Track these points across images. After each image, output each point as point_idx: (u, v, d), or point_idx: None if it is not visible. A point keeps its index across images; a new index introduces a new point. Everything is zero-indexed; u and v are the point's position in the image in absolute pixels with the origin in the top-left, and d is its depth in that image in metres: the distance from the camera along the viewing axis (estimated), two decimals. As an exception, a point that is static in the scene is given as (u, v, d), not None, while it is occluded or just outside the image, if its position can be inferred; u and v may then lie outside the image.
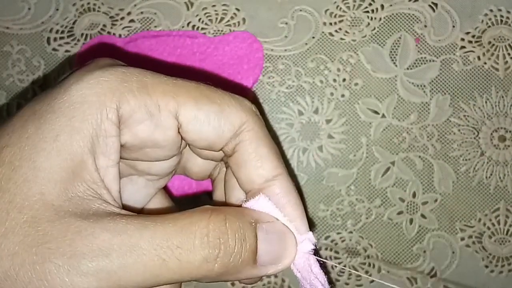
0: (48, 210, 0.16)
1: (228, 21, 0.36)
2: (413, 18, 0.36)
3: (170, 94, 0.19)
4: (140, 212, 0.23)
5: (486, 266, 0.35)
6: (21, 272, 0.15)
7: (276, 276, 0.35)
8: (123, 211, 0.18)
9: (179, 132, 0.20)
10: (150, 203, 0.24)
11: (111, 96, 0.18)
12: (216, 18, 0.36)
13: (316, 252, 0.21)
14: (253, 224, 0.19)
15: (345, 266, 0.35)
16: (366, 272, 0.35)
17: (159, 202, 0.24)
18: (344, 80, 0.36)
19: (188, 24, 0.36)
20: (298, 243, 0.20)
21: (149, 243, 0.16)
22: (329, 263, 0.35)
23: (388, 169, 0.35)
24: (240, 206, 0.20)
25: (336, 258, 0.35)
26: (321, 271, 0.20)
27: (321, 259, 0.21)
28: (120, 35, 0.36)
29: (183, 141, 0.21)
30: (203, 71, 0.35)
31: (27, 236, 0.16)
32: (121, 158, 0.19)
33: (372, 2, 0.36)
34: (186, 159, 0.23)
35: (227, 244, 0.17)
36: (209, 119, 0.19)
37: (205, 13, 0.36)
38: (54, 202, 0.16)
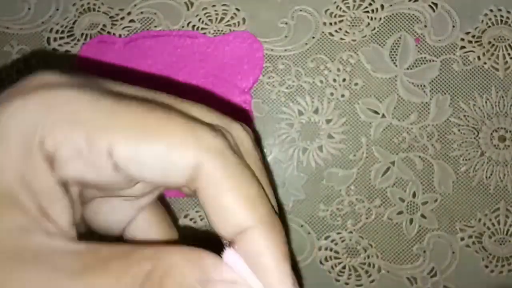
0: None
1: (228, 21, 0.36)
2: (413, 18, 0.36)
3: (103, 127, 0.16)
4: (120, 238, 0.21)
5: (486, 266, 0.35)
6: None
7: None
8: (74, 245, 0.15)
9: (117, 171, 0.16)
10: (144, 226, 0.21)
11: (33, 132, 0.15)
12: (216, 18, 0.36)
13: None
14: (203, 284, 0.15)
15: (344, 266, 0.35)
16: (366, 272, 0.35)
17: (154, 228, 0.21)
18: (344, 80, 0.36)
19: (188, 24, 0.36)
20: None
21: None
22: (329, 263, 0.35)
23: (388, 169, 0.35)
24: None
25: (336, 258, 0.35)
26: None
27: None
28: (120, 35, 0.36)
29: None
30: (202, 71, 0.36)
31: None
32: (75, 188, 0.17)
33: (372, 2, 0.36)
34: None
35: None
36: (151, 161, 0.16)
37: (205, 13, 0.36)
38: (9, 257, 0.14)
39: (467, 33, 0.36)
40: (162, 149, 0.16)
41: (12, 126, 0.15)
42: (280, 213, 0.22)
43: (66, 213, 0.16)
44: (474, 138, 0.35)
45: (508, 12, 0.36)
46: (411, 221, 0.35)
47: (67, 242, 0.15)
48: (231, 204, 0.16)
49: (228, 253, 0.16)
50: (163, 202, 0.31)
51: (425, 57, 0.36)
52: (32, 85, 0.16)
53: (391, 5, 0.36)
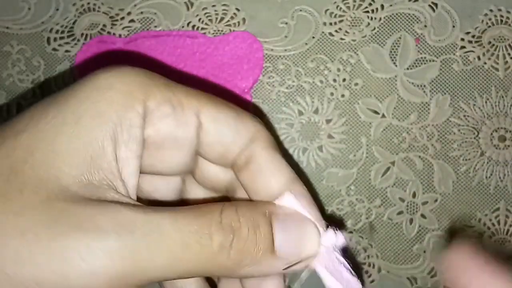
0: (63, 193, 0.15)
1: (228, 21, 0.36)
2: (413, 18, 0.36)
3: (192, 94, 0.19)
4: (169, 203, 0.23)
5: (486, 266, 0.35)
6: (35, 250, 0.15)
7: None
8: (138, 205, 0.17)
9: (198, 132, 0.20)
10: None
11: (139, 88, 0.18)
12: (216, 18, 0.36)
13: (345, 252, 0.19)
14: (267, 215, 0.18)
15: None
16: (366, 272, 0.35)
17: None
18: (344, 80, 0.36)
19: (188, 24, 0.36)
20: (322, 235, 0.19)
21: (171, 226, 0.16)
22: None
23: (388, 169, 0.35)
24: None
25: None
26: (350, 270, 0.19)
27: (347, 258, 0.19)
28: (120, 35, 0.36)
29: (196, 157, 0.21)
30: (202, 71, 0.36)
31: (42, 214, 0.15)
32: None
33: (372, 2, 0.36)
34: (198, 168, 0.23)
35: (239, 231, 0.17)
36: (228, 121, 0.20)
37: (205, 13, 0.36)
38: (70, 187, 0.16)
39: (467, 33, 0.36)
40: (234, 115, 0.20)
41: (120, 80, 0.17)
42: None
43: (135, 176, 0.18)
44: (474, 138, 0.35)
45: (508, 12, 0.36)
46: (411, 221, 0.35)
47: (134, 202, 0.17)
48: (283, 165, 0.20)
49: (286, 196, 0.19)
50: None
51: (425, 57, 0.36)
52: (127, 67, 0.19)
53: (391, 5, 0.36)
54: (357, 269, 0.20)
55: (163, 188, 0.22)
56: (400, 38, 0.36)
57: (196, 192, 0.23)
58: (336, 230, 0.19)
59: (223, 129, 0.20)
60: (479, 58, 0.36)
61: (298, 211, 0.19)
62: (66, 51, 0.36)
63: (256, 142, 0.20)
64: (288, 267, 0.18)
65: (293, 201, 0.19)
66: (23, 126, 0.16)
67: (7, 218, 0.15)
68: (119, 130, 0.17)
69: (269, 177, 0.20)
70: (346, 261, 0.19)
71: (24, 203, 0.15)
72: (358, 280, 0.19)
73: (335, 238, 0.19)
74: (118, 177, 0.17)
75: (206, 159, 0.21)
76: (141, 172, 0.19)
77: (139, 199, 0.19)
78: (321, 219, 0.20)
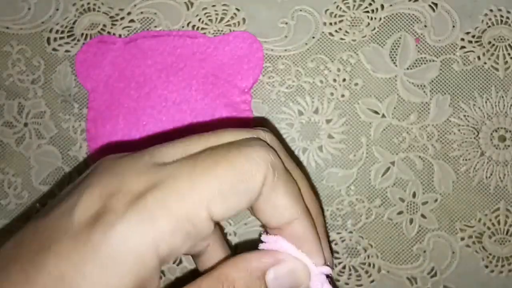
0: None
1: (228, 21, 0.36)
2: (413, 18, 0.36)
3: (203, 203, 0.19)
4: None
5: (486, 266, 0.35)
6: None
7: None
8: None
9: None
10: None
11: (151, 249, 0.18)
12: (216, 18, 0.36)
13: (333, 283, 0.22)
14: (261, 277, 0.20)
15: (344, 266, 0.35)
16: (366, 272, 0.35)
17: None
18: (344, 80, 0.36)
19: (188, 24, 0.36)
20: (313, 275, 0.21)
21: None
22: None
23: (388, 169, 0.35)
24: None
25: (336, 258, 0.35)
26: None
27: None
28: (120, 35, 0.36)
29: None
30: (202, 71, 0.36)
31: None
32: None
33: (372, 2, 0.36)
34: None
35: None
36: (235, 201, 0.20)
37: (205, 13, 0.36)
38: None
39: (467, 33, 0.36)
40: (241, 189, 0.20)
41: (130, 247, 0.18)
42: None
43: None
44: (474, 138, 0.35)
45: (508, 12, 0.36)
46: (411, 221, 0.35)
47: None
48: (283, 203, 0.21)
49: (279, 240, 0.21)
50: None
51: (425, 57, 0.36)
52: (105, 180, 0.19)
53: (391, 5, 0.36)
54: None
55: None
56: (400, 38, 0.36)
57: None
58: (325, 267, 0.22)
59: (234, 209, 0.20)
60: (479, 58, 0.36)
61: (290, 254, 0.21)
62: (66, 51, 0.36)
63: (262, 189, 0.21)
64: None
65: (284, 245, 0.21)
66: (47, 263, 0.17)
67: None
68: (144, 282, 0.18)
69: (269, 219, 0.22)
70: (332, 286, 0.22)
71: None
72: None
73: (324, 271, 0.22)
74: None
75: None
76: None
77: None
78: (319, 254, 0.22)
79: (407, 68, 0.36)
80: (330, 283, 0.22)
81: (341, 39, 0.36)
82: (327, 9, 0.36)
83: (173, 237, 0.18)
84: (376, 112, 0.36)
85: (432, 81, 0.36)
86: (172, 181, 0.19)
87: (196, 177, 0.19)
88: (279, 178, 0.21)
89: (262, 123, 0.36)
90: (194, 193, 0.19)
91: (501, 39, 0.36)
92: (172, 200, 0.18)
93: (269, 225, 0.22)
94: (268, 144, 0.22)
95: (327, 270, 0.22)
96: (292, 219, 0.21)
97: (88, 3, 0.37)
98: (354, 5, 0.36)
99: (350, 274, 0.35)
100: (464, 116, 0.35)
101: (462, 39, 0.36)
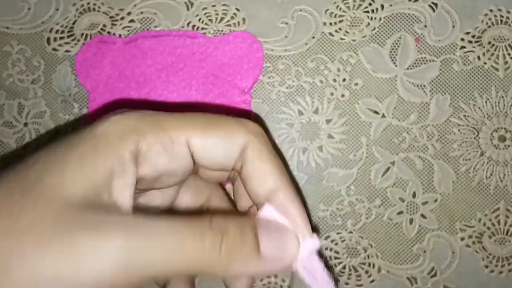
0: (73, 207, 0.18)
1: (228, 21, 0.36)
2: (413, 18, 0.36)
3: (180, 127, 0.21)
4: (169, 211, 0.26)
5: (486, 266, 0.35)
6: (51, 249, 0.17)
7: (276, 276, 0.35)
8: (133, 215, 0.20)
9: (193, 158, 0.22)
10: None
11: (131, 133, 0.20)
12: (216, 18, 0.36)
13: (320, 255, 0.22)
14: (252, 223, 0.21)
15: (345, 266, 0.35)
16: (366, 272, 0.35)
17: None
18: (344, 80, 0.36)
19: (188, 24, 0.36)
20: (301, 242, 0.22)
21: (168, 229, 0.18)
22: (330, 263, 0.35)
23: (388, 169, 0.35)
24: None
25: (336, 258, 0.35)
26: (325, 270, 0.22)
27: (324, 260, 0.22)
28: (120, 35, 0.36)
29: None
30: (202, 71, 0.36)
31: (57, 222, 0.17)
32: (137, 189, 0.21)
33: (372, 2, 0.36)
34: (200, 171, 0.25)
35: (227, 232, 0.19)
36: (217, 145, 0.22)
37: (205, 13, 0.36)
38: (79, 203, 0.18)
39: (467, 33, 0.36)
40: (222, 135, 0.22)
41: (111, 128, 0.20)
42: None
43: (130, 200, 0.20)
44: (474, 138, 0.35)
45: (508, 12, 0.36)
46: (411, 221, 0.35)
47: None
48: (271, 169, 0.22)
49: (266, 207, 0.22)
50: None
51: (425, 57, 0.36)
52: (120, 110, 0.22)
53: (391, 5, 0.36)
54: (330, 270, 0.23)
55: (158, 199, 0.25)
56: (400, 38, 0.36)
57: (186, 200, 0.26)
58: (314, 236, 0.22)
59: (213, 153, 0.22)
60: (479, 58, 0.36)
61: (278, 221, 0.22)
62: (66, 51, 0.36)
63: (246, 154, 0.22)
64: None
65: (273, 212, 0.22)
66: (34, 160, 0.19)
67: (24, 225, 0.17)
68: (116, 165, 0.20)
69: (256, 185, 0.22)
70: (322, 263, 0.22)
71: (40, 213, 0.18)
72: (333, 280, 0.22)
73: (313, 244, 0.22)
74: (116, 206, 0.20)
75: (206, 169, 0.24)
76: (140, 189, 0.22)
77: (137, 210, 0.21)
78: (306, 224, 0.22)
79: (407, 68, 0.36)
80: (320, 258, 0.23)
81: (341, 39, 0.36)
82: (327, 9, 0.36)
83: (148, 138, 0.21)
84: (376, 112, 0.36)
85: (432, 81, 0.36)
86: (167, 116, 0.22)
87: (183, 117, 0.22)
88: (265, 148, 0.22)
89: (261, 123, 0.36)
90: (175, 122, 0.21)
91: (501, 39, 0.36)
92: (160, 119, 0.21)
93: (255, 194, 0.22)
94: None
95: (315, 240, 0.22)
96: (277, 188, 0.22)
97: (88, 3, 0.37)
98: (354, 5, 0.36)
99: (350, 274, 0.35)
100: (464, 116, 0.35)
101: (462, 39, 0.36)
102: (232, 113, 0.24)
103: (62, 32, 0.37)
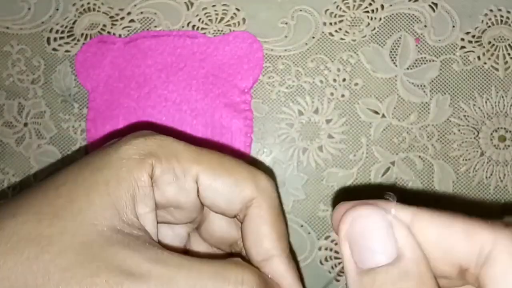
0: (99, 238, 0.18)
1: (228, 21, 0.36)
2: (413, 18, 0.36)
3: (194, 161, 0.22)
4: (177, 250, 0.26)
5: (486, 266, 0.35)
6: (70, 285, 0.17)
7: None
8: (164, 248, 0.20)
9: (198, 196, 0.22)
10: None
11: (149, 157, 0.21)
12: (216, 18, 0.36)
13: None
14: None
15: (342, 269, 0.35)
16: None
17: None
18: (344, 80, 0.36)
19: (188, 24, 0.36)
20: None
21: (184, 280, 0.18)
22: None
23: (388, 169, 0.35)
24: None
25: (336, 258, 0.35)
26: None
27: None
28: (120, 35, 0.36)
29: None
30: (202, 71, 0.36)
31: (79, 256, 0.18)
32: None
33: (372, 2, 0.36)
34: (206, 220, 0.25)
35: None
36: (223, 189, 0.22)
37: (205, 13, 0.36)
38: (104, 233, 0.19)
39: (467, 33, 0.36)
40: (231, 182, 0.22)
41: (132, 152, 0.21)
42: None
43: (154, 225, 0.21)
44: (474, 138, 0.35)
45: (508, 12, 0.36)
46: (411, 221, 0.35)
47: (159, 246, 0.20)
48: (267, 234, 0.22)
49: None
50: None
51: (425, 57, 0.36)
52: (144, 133, 0.22)
53: (391, 5, 0.36)
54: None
55: (169, 237, 0.25)
56: (400, 38, 0.36)
57: (199, 247, 0.26)
58: None
59: (217, 197, 0.22)
60: (479, 58, 0.36)
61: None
62: (66, 51, 0.36)
63: (249, 209, 0.22)
64: None
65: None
66: (62, 181, 0.20)
67: (50, 258, 0.18)
68: (137, 191, 0.20)
69: (253, 245, 0.22)
70: None
71: (65, 245, 0.18)
72: None
73: None
74: (142, 229, 0.20)
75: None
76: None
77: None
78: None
79: (407, 68, 0.36)
80: None
81: (341, 39, 0.36)
82: (327, 9, 0.36)
83: (163, 164, 0.21)
84: (376, 112, 0.36)
85: (432, 81, 0.36)
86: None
87: (198, 152, 0.22)
88: (270, 209, 0.22)
89: (262, 123, 0.36)
90: (191, 154, 0.22)
91: (501, 39, 0.36)
92: (178, 149, 0.22)
93: (251, 256, 0.22)
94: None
95: None
96: (272, 254, 0.22)
97: (88, 3, 0.37)
98: (354, 5, 0.36)
99: (350, 274, 0.35)
100: (464, 116, 0.35)
101: (462, 39, 0.36)
102: (239, 157, 0.24)
103: (62, 32, 0.37)
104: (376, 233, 0.17)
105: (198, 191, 0.22)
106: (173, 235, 0.25)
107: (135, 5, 0.37)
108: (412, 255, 0.17)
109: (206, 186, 0.22)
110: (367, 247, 0.17)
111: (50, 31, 0.37)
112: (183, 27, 0.36)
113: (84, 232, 0.18)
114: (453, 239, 0.17)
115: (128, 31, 0.36)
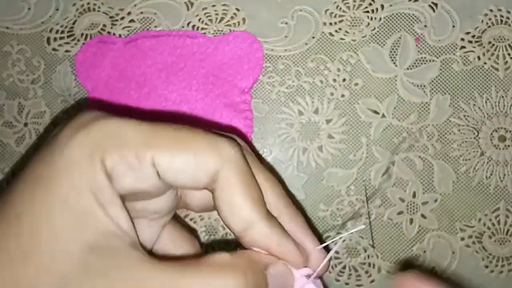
0: (75, 268, 0.18)
1: (228, 21, 0.36)
2: (413, 18, 0.36)
3: (146, 144, 0.20)
4: (150, 252, 0.24)
5: (486, 266, 0.35)
6: None
7: None
8: (147, 256, 0.19)
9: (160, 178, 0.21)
10: (165, 240, 0.25)
11: (97, 153, 0.19)
12: (216, 18, 0.36)
13: (322, 281, 0.23)
14: (264, 272, 0.20)
15: (345, 266, 0.35)
16: (366, 272, 0.35)
17: (171, 237, 0.25)
18: (344, 80, 0.36)
19: (188, 24, 0.36)
20: (296, 278, 0.22)
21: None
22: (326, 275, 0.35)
23: (388, 169, 0.35)
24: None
25: (336, 258, 0.35)
26: None
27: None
28: (120, 35, 0.36)
29: None
30: (202, 71, 0.36)
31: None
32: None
33: (372, 2, 0.36)
34: (184, 194, 0.24)
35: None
36: (183, 167, 0.20)
37: (205, 13, 0.36)
38: (80, 259, 0.18)
39: (467, 33, 0.36)
40: (191, 158, 0.20)
41: (79, 151, 0.19)
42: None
43: (129, 222, 0.19)
44: (474, 138, 0.35)
45: (508, 12, 0.36)
46: (411, 221, 0.35)
47: (142, 252, 0.19)
48: (241, 203, 0.20)
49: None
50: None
51: (425, 57, 0.36)
52: (86, 119, 0.20)
53: (391, 5, 0.36)
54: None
55: (146, 232, 0.24)
56: (400, 38, 0.36)
57: (168, 245, 0.25)
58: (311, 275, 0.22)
59: (180, 176, 0.20)
60: (479, 58, 0.36)
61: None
62: (66, 51, 0.36)
63: (216, 182, 0.21)
64: None
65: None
66: (20, 208, 0.19)
67: None
68: (99, 194, 0.19)
69: (229, 219, 0.21)
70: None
71: (41, 285, 0.17)
72: None
73: (303, 272, 0.22)
74: (119, 230, 0.19)
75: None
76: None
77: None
78: (293, 255, 0.22)
79: (407, 68, 0.36)
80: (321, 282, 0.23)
81: (341, 39, 0.36)
82: (327, 9, 0.36)
83: (114, 157, 0.19)
84: (376, 112, 0.36)
85: (432, 81, 0.36)
86: (134, 123, 0.20)
87: (150, 131, 0.20)
88: (237, 177, 0.20)
89: (262, 123, 0.36)
90: (142, 137, 0.20)
91: (501, 39, 0.36)
92: (127, 135, 0.20)
93: (231, 229, 0.21)
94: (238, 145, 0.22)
95: (306, 271, 0.22)
96: (249, 223, 0.21)
97: (88, 3, 0.37)
98: (354, 5, 0.36)
99: (350, 274, 0.35)
100: (464, 116, 0.35)
101: (462, 39, 0.36)
102: (225, 129, 0.23)
103: (62, 32, 0.37)
104: None
105: (158, 174, 0.20)
106: (149, 228, 0.24)
107: (135, 5, 0.37)
108: None
109: (164, 168, 0.20)
110: None
111: (50, 31, 0.37)
112: (183, 27, 0.36)
113: (58, 267, 0.17)
114: (182, 170, 0.20)
115: (128, 31, 0.36)
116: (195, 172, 0.20)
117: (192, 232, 0.36)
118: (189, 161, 0.20)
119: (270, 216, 0.21)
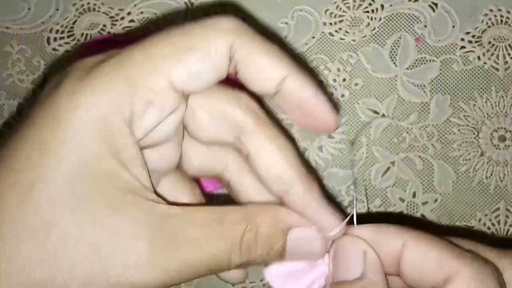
0: (103, 233, 0.18)
1: (228, 21, 0.36)
2: (413, 18, 0.36)
3: (159, 70, 0.19)
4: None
5: (486, 266, 0.35)
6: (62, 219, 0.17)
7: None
8: (170, 206, 0.19)
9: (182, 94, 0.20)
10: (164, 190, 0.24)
11: (117, 108, 0.18)
12: (216, 18, 0.36)
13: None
14: (285, 231, 0.20)
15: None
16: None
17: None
18: (344, 80, 0.36)
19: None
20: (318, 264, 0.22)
21: (193, 248, 0.18)
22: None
23: (388, 169, 0.35)
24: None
25: (336, 258, 0.35)
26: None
27: None
28: (120, 35, 0.36)
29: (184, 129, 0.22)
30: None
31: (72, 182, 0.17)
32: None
33: (372, 2, 0.36)
34: (185, 154, 0.23)
35: (256, 254, 0.20)
36: (198, 68, 0.19)
37: (205, 13, 0.36)
38: (108, 222, 0.18)
39: (467, 33, 0.36)
40: (203, 54, 0.19)
41: (98, 113, 0.18)
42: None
43: (146, 172, 0.19)
44: (474, 138, 0.35)
45: (508, 12, 0.36)
46: (411, 221, 0.35)
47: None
48: (269, 61, 0.20)
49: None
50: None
51: (425, 57, 0.36)
52: (83, 70, 0.19)
53: (391, 5, 0.36)
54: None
55: (155, 161, 0.23)
56: (400, 38, 0.36)
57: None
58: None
59: (203, 76, 0.20)
60: (479, 58, 0.36)
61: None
62: (66, 51, 0.36)
63: (235, 55, 0.20)
64: None
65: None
66: (31, 177, 0.18)
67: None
68: (121, 154, 0.18)
69: (262, 83, 0.20)
70: None
71: (54, 177, 0.18)
72: None
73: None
74: (142, 189, 0.19)
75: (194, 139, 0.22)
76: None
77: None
78: (327, 215, 0.22)
79: (407, 68, 0.36)
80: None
81: (341, 39, 0.36)
82: (327, 9, 0.36)
83: (133, 104, 0.18)
84: (376, 112, 0.36)
85: (432, 81, 0.36)
86: (128, 52, 0.19)
87: (152, 47, 0.19)
88: (253, 40, 0.19)
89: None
90: (149, 61, 0.19)
91: (501, 39, 0.36)
92: (127, 68, 0.18)
93: (265, 91, 0.20)
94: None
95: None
96: (282, 77, 0.20)
97: (88, 3, 0.37)
98: (354, 5, 0.36)
99: (350, 274, 0.35)
100: (464, 116, 0.35)
101: (462, 39, 0.36)
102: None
103: (62, 32, 0.37)
104: (351, 258, 0.21)
105: (178, 91, 0.19)
106: (158, 156, 0.22)
107: (135, 5, 0.37)
108: (373, 276, 0.21)
109: (184, 78, 0.19)
110: (342, 266, 0.21)
111: (50, 31, 0.37)
112: (183, 27, 0.36)
113: (84, 235, 0.18)
114: (428, 266, 0.20)
115: (128, 31, 0.36)
116: (213, 63, 0.19)
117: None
118: (202, 57, 0.19)
119: (307, 175, 0.22)
